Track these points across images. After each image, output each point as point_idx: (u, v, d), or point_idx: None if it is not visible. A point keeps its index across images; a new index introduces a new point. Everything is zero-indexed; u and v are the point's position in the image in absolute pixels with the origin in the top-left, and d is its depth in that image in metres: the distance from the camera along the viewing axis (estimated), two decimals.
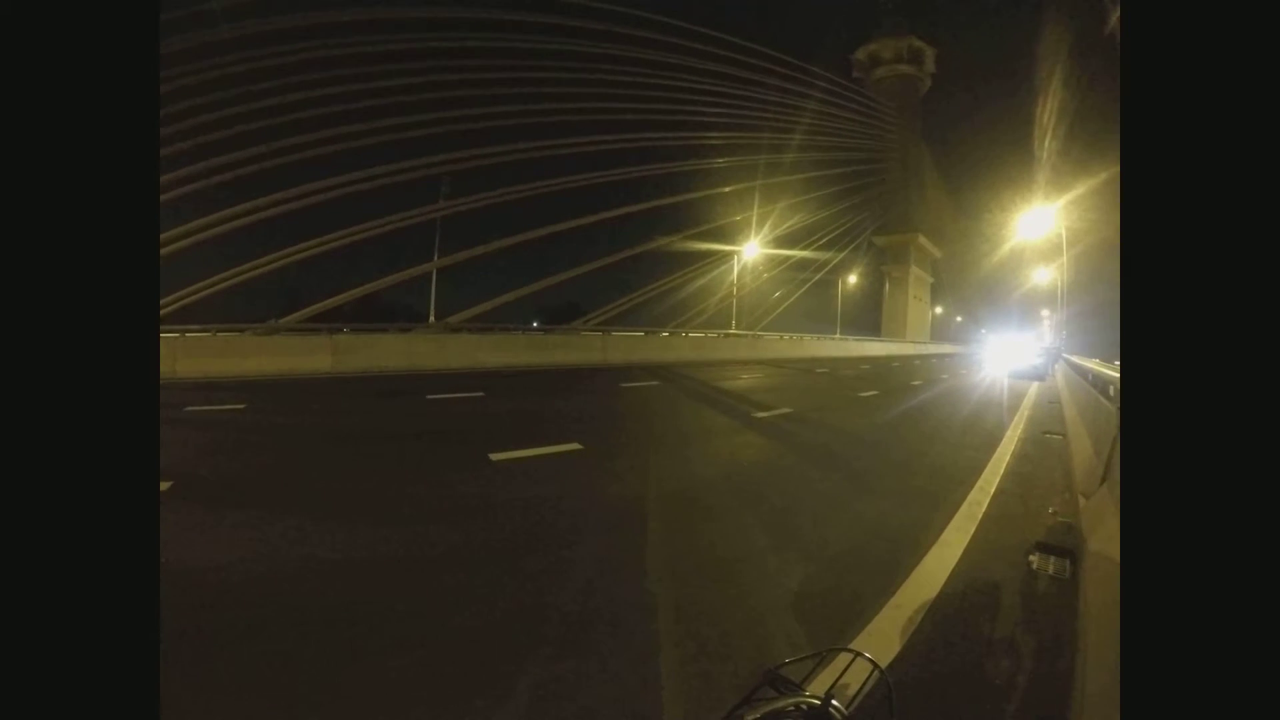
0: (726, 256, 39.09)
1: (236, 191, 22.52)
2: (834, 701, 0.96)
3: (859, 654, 1.18)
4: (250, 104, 23.78)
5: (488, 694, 2.46)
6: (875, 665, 1.14)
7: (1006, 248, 63.11)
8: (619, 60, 35.14)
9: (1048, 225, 34.32)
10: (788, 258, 46.94)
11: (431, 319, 25.78)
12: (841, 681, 1.14)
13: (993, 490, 6.34)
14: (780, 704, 0.95)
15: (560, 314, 32.42)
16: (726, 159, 39.90)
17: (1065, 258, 33.49)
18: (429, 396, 10.64)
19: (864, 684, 1.14)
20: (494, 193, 27.93)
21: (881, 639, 3.09)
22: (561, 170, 30.96)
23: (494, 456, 6.34)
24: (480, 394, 11.38)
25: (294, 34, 25.33)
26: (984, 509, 5.59)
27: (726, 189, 38.88)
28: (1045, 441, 9.80)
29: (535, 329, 23.56)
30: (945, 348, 75.08)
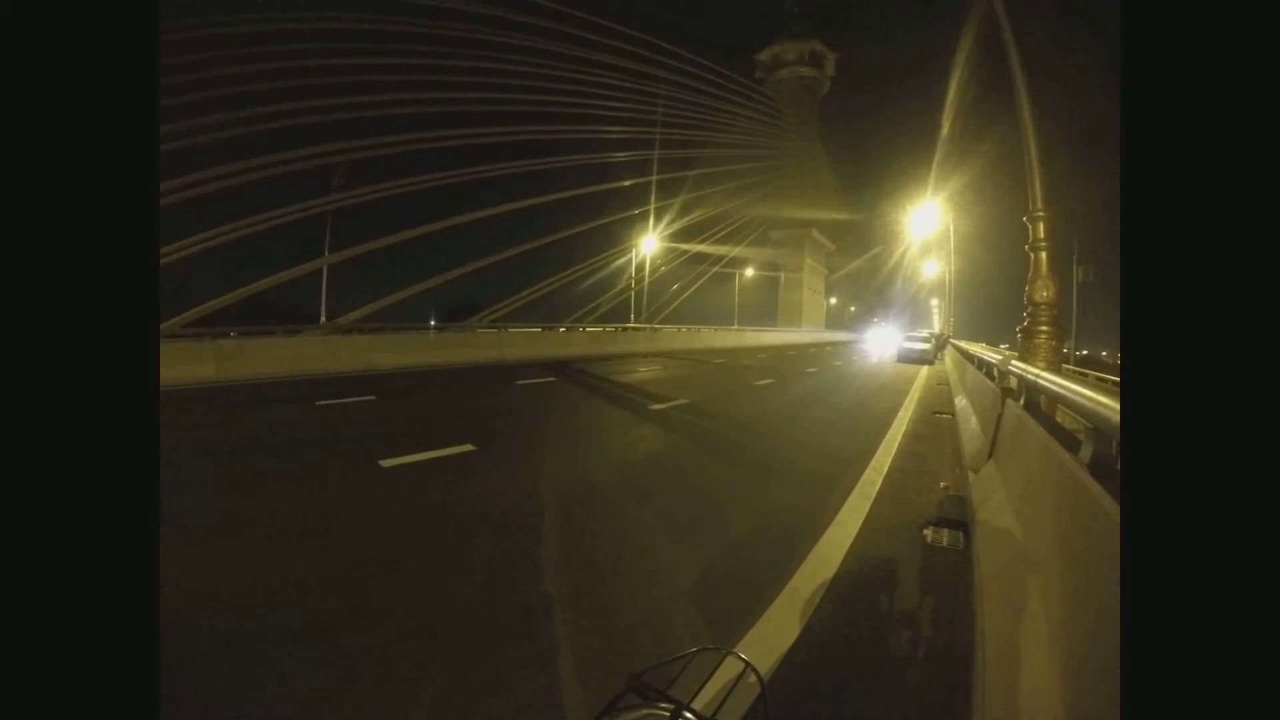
0: (625, 250, 39.19)
1: None
2: (687, 713, 0.91)
3: (730, 652, 1.14)
4: None
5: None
6: (747, 664, 1.10)
7: (896, 241, 66.20)
8: (520, 49, 34.42)
9: (935, 220, 36.22)
10: (687, 251, 47.49)
11: (323, 319, 24.71)
12: (714, 682, 1.12)
13: (886, 469, 6.55)
14: (629, 716, 0.88)
15: (459, 311, 31.53)
16: (627, 153, 39.92)
17: (952, 249, 35.31)
18: (319, 402, 10.07)
19: (735, 684, 1.11)
20: (389, 184, 26.76)
21: (781, 622, 3.08)
22: (460, 162, 30.19)
23: (384, 463, 6.01)
24: (372, 397, 10.83)
25: (172, 9, 23.56)
26: (878, 488, 5.76)
27: (626, 183, 38.91)
28: (935, 421, 10.28)
29: (431, 327, 22.88)
30: (840, 335, 78.04)
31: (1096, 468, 2.60)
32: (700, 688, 1.03)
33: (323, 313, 26.39)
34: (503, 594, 3.33)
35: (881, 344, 50.43)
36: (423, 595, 3.31)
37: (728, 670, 1.11)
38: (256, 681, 2.49)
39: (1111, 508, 2.00)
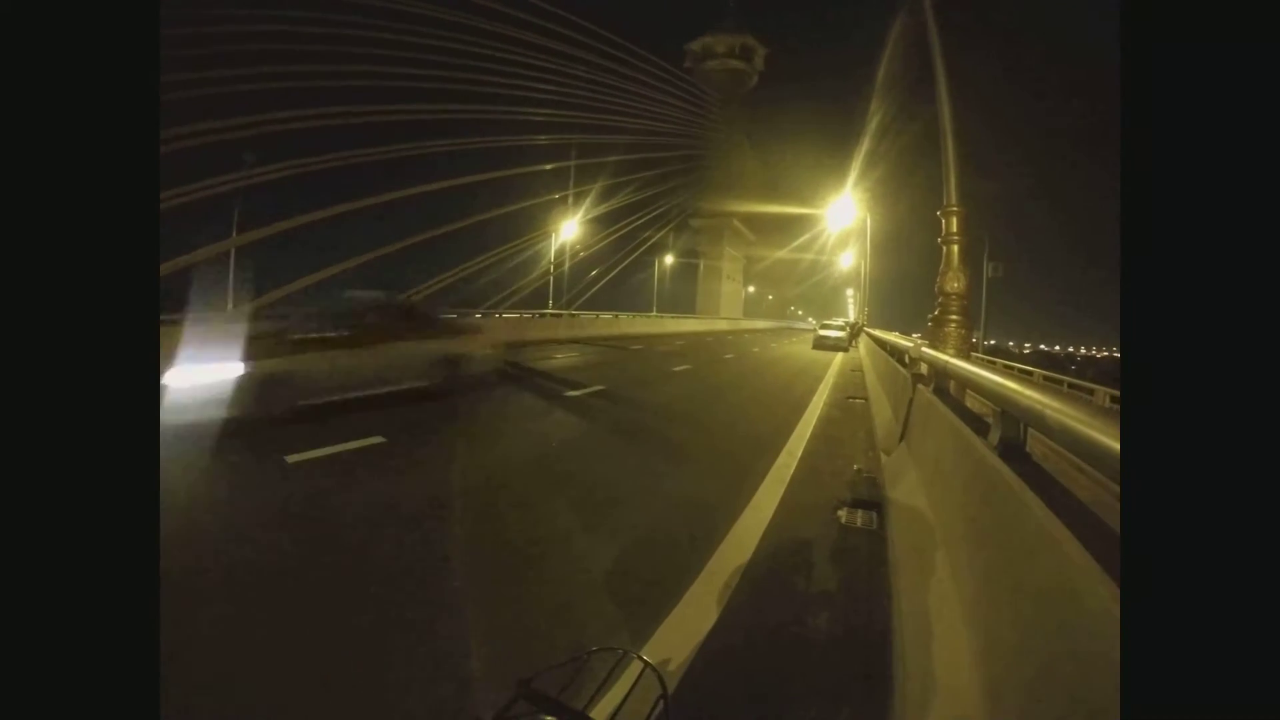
0: (545, 234, 38.72)
1: None
2: None
3: (629, 652, 1.08)
4: None
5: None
6: (647, 664, 1.04)
7: (815, 234, 68.03)
8: (439, 23, 33.42)
9: (852, 215, 37.58)
10: (607, 236, 47.37)
11: (230, 306, 23.52)
12: (616, 683, 1.06)
13: (800, 453, 6.66)
14: None
15: None
16: (551, 136, 39.52)
17: (868, 243, 36.53)
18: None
19: (635, 685, 1.05)
20: (302, 161, 25.65)
21: (699, 608, 3.06)
22: (374, 140, 29.11)
23: (290, 458, 5.68)
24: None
25: None
26: (793, 471, 5.85)
27: (548, 166, 38.43)
28: (849, 406, 10.53)
29: None
30: (758, 323, 79.60)
31: (1004, 450, 2.67)
32: (599, 690, 0.97)
33: (229, 299, 25.16)
34: (409, 591, 3.20)
35: None
36: (328, 596, 3.15)
37: (633, 670, 1.05)
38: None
39: (1020, 488, 2.04)
